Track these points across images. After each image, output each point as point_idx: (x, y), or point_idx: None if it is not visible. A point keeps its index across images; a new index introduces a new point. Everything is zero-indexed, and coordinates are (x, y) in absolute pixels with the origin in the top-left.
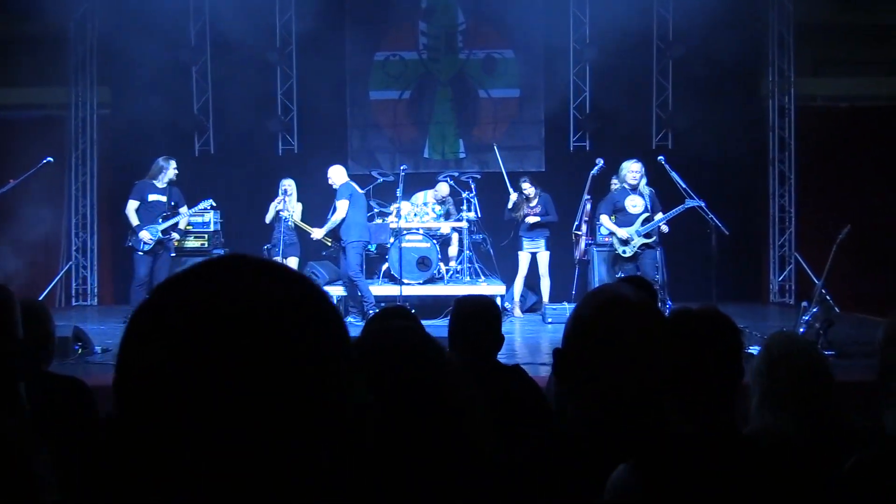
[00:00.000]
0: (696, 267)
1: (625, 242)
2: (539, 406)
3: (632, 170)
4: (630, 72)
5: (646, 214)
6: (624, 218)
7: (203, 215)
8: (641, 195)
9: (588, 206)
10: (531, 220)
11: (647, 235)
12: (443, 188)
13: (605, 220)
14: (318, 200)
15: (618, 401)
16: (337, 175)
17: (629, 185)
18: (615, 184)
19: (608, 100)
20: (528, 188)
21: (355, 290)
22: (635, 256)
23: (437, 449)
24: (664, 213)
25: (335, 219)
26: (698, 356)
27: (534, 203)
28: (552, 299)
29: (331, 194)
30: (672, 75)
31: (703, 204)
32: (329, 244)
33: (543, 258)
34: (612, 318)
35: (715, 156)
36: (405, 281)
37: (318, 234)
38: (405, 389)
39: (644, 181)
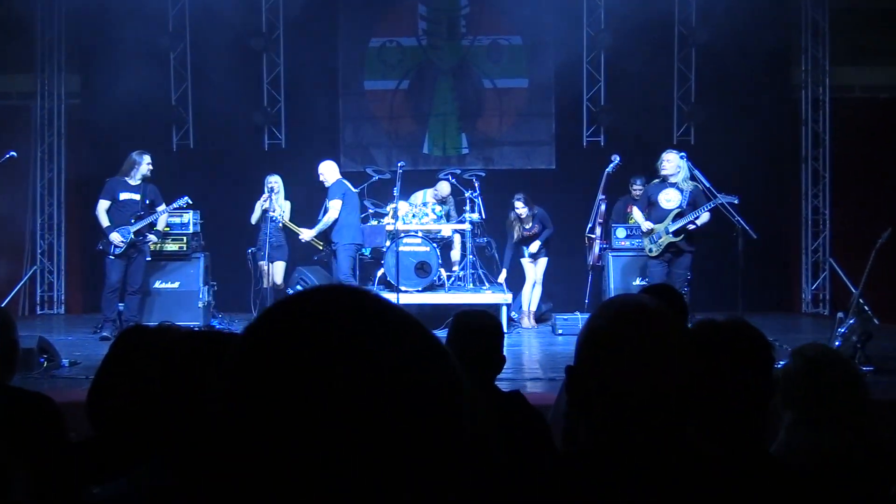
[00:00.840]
0: (720, 274)
1: (648, 235)
2: (541, 440)
3: (666, 160)
4: (649, 60)
5: (678, 211)
6: (656, 213)
7: (181, 216)
8: (680, 190)
9: (603, 207)
10: (533, 247)
11: (675, 233)
12: (443, 187)
13: (636, 213)
14: (306, 199)
15: (635, 422)
16: (329, 172)
17: (663, 177)
18: (635, 189)
19: (625, 91)
20: (522, 209)
21: None
22: (664, 257)
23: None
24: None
25: (327, 220)
26: (725, 372)
27: (529, 224)
28: (562, 308)
29: (321, 193)
30: (695, 64)
31: (735, 200)
32: (320, 247)
33: (541, 263)
34: (628, 331)
35: (742, 152)
36: (402, 288)
37: (307, 235)
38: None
39: (685, 175)
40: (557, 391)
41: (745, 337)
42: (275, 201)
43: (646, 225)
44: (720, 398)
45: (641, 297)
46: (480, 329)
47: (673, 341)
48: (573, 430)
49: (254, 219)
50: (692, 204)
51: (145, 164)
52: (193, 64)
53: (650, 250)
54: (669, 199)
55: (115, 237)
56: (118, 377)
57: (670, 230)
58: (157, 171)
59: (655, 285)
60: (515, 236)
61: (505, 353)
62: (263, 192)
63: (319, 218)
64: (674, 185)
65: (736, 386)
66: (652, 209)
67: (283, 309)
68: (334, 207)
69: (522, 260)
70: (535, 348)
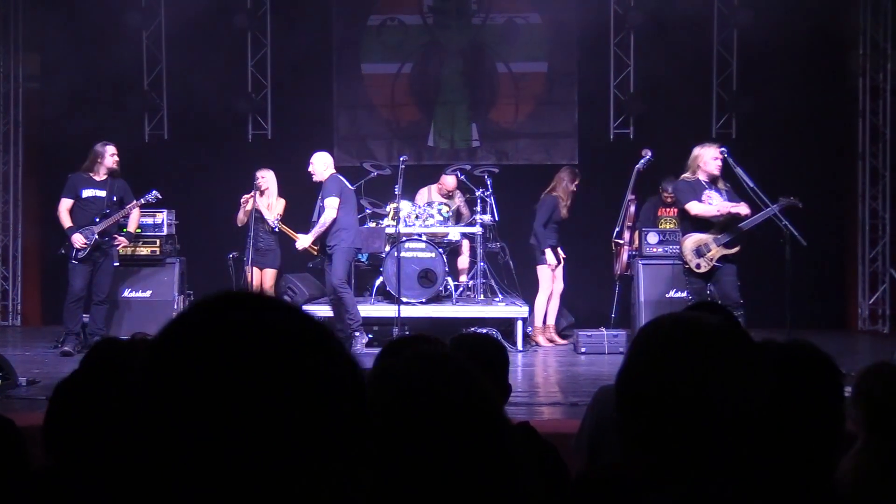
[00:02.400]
0: (764, 287)
1: (699, 253)
2: (554, 478)
3: (716, 156)
4: (685, 42)
5: (737, 207)
6: (699, 220)
7: (154, 216)
8: (720, 192)
9: (632, 209)
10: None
11: (727, 244)
12: (448, 182)
13: (696, 206)
14: (297, 199)
15: (698, 451)
16: (321, 165)
17: (709, 174)
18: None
19: (657, 77)
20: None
21: (341, 306)
22: (712, 272)
23: None
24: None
25: (324, 221)
26: (788, 400)
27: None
28: (585, 323)
29: (312, 191)
30: (737, 47)
31: (798, 205)
32: (315, 253)
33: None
34: (693, 351)
35: (789, 147)
36: (404, 300)
37: (304, 242)
38: (450, 456)
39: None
40: (581, 418)
41: (811, 360)
42: (260, 200)
43: (705, 239)
44: (782, 429)
45: (695, 314)
46: (479, 355)
47: (745, 362)
48: (596, 449)
49: (240, 220)
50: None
51: (109, 157)
52: (169, 44)
53: (697, 266)
54: (713, 202)
55: (78, 239)
56: (84, 397)
57: (721, 242)
58: (127, 165)
59: (705, 303)
60: (560, 213)
61: (517, 377)
62: (252, 190)
63: (314, 220)
64: (716, 184)
65: (801, 416)
66: (688, 215)
67: (185, 321)
68: (331, 206)
69: (539, 268)
70: (553, 369)
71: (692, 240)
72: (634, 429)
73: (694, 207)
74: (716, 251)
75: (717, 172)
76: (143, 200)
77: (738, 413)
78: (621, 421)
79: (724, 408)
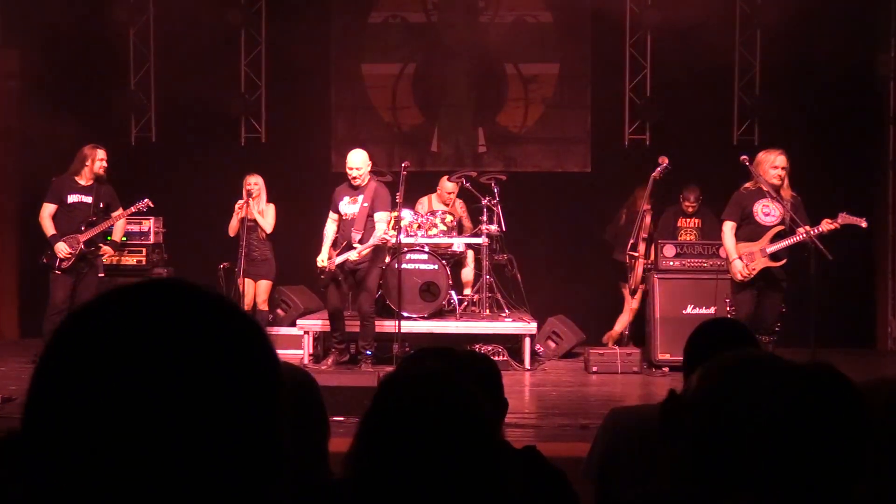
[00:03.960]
0: (788, 302)
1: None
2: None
3: (775, 165)
4: (705, 43)
5: (779, 228)
6: (750, 230)
7: (140, 223)
8: (780, 201)
9: (647, 220)
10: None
11: (773, 257)
12: (447, 187)
13: (726, 231)
14: (294, 206)
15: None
16: (366, 166)
17: (769, 184)
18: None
19: (675, 80)
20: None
21: (371, 329)
22: (754, 285)
23: None
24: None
25: (382, 237)
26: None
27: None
28: (597, 341)
29: (307, 198)
30: (760, 49)
31: (862, 223)
32: (332, 270)
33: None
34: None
35: (815, 156)
36: (405, 314)
37: (353, 255)
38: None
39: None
40: (591, 441)
41: (831, 385)
42: (252, 207)
43: (734, 253)
44: (797, 458)
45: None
46: (470, 370)
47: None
48: (610, 473)
49: (231, 229)
50: (796, 218)
51: (97, 161)
52: (157, 41)
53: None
54: (769, 211)
55: (62, 248)
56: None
57: (768, 251)
58: (113, 169)
59: (718, 319)
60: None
61: (524, 397)
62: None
63: (364, 236)
64: (776, 193)
65: (822, 445)
66: (745, 224)
67: (86, 312)
68: (383, 221)
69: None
70: (563, 389)
71: (731, 253)
72: (684, 458)
73: (724, 230)
74: (759, 261)
75: (776, 183)
76: (133, 209)
77: (785, 439)
78: (668, 451)
79: (776, 434)
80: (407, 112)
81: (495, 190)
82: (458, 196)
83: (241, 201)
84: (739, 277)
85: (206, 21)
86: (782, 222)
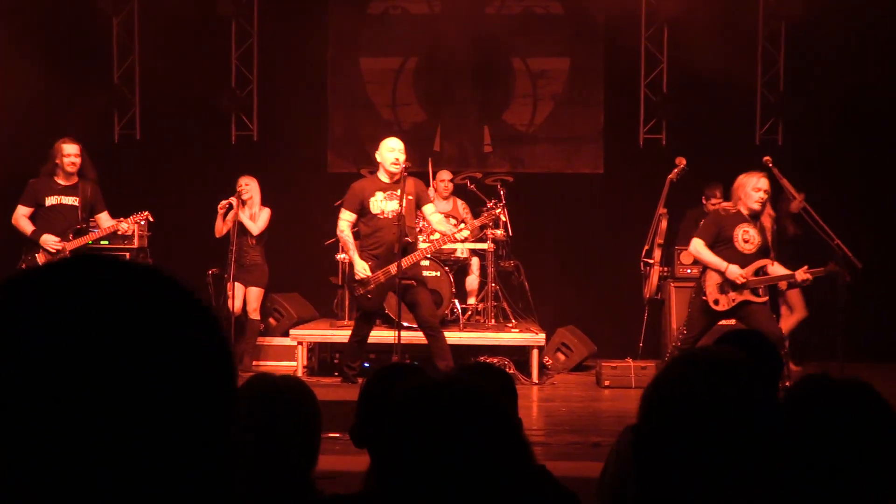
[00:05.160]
0: (815, 314)
1: (723, 290)
2: None
3: (758, 187)
4: (725, 37)
5: (763, 261)
6: (725, 254)
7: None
8: (762, 228)
9: (663, 225)
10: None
11: (754, 291)
12: (440, 187)
13: (700, 248)
14: (283, 208)
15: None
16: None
17: (749, 209)
18: (713, 203)
19: (693, 75)
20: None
21: (441, 340)
22: (734, 310)
23: None
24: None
25: (448, 232)
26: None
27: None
28: (610, 353)
29: (303, 199)
30: (785, 43)
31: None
32: (378, 281)
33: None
34: (699, 387)
35: (843, 157)
36: (405, 324)
37: (419, 256)
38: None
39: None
40: (604, 460)
41: (865, 402)
42: (242, 211)
43: (733, 271)
44: (829, 479)
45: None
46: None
47: (749, 403)
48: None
49: (218, 230)
50: (775, 245)
51: (64, 157)
52: (142, 32)
53: (716, 302)
54: (749, 238)
55: (49, 239)
56: None
57: (748, 286)
58: (95, 169)
59: (740, 331)
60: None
61: (532, 413)
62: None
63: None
64: (756, 217)
65: (854, 466)
66: (721, 246)
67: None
68: (438, 213)
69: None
70: (573, 404)
71: (722, 267)
72: (650, 470)
73: (694, 245)
74: (738, 295)
75: (756, 208)
76: (129, 221)
77: (748, 451)
78: (637, 466)
79: (734, 445)
80: (408, 109)
81: (501, 192)
82: (461, 197)
83: (223, 201)
84: (741, 280)
85: (195, 11)
86: (761, 251)
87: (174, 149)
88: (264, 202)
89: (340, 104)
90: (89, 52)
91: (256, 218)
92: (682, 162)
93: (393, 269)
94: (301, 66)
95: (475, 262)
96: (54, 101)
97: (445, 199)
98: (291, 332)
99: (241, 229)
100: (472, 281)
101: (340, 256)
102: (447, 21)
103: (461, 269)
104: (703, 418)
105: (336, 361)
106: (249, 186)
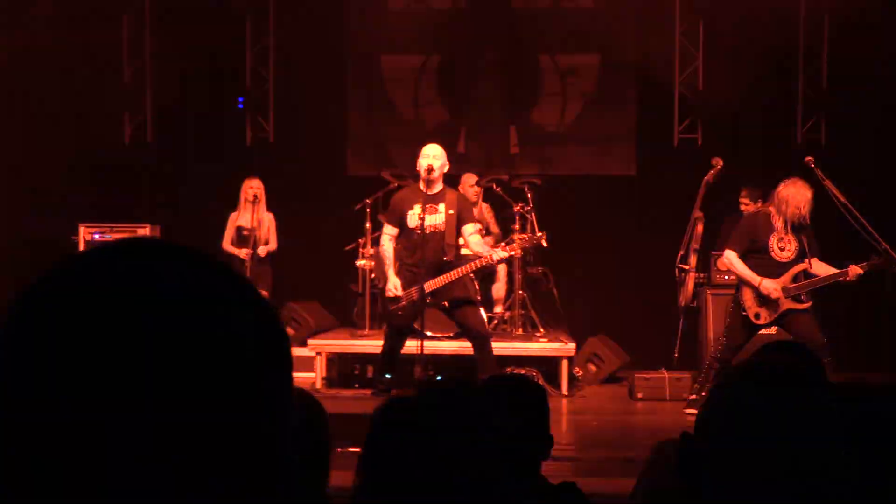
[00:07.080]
0: (856, 321)
1: (763, 301)
2: None
3: (801, 197)
4: (764, 31)
5: (800, 266)
6: (761, 262)
7: (135, 232)
8: (797, 234)
9: (699, 228)
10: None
11: (796, 298)
12: (469, 181)
13: (733, 260)
14: (299, 213)
15: None
16: (442, 165)
17: (789, 218)
18: (747, 205)
19: (731, 72)
20: None
21: (488, 348)
22: (775, 321)
23: None
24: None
25: (491, 256)
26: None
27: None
28: (643, 364)
29: (318, 204)
30: (828, 37)
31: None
32: (402, 295)
33: None
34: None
35: (889, 156)
36: (429, 333)
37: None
38: None
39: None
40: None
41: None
42: (245, 216)
43: (766, 286)
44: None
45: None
46: (515, 400)
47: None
48: None
49: (226, 241)
50: (810, 250)
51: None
52: (154, 30)
53: (756, 316)
54: (784, 246)
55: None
56: None
57: (790, 294)
58: (105, 173)
59: (782, 342)
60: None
61: (561, 426)
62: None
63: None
64: (793, 225)
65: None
66: (754, 256)
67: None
68: (478, 234)
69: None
70: (605, 418)
71: (756, 282)
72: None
73: (727, 256)
74: (783, 303)
75: (797, 221)
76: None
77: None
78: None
79: (794, 466)
80: (430, 109)
81: (529, 195)
82: (486, 200)
83: (234, 213)
84: (776, 296)
85: (209, 8)
86: (799, 258)
87: (187, 151)
88: (280, 206)
89: (360, 104)
90: (98, 52)
91: (262, 223)
92: (718, 163)
93: (427, 287)
94: (319, 65)
95: (501, 268)
96: (63, 102)
97: (473, 204)
98: (310, 341)
99: (247, 235)
100: (499, 289)
101: (360, 263)
102: (471, 16)
103: (487, 276)
104: (766, 433)
105: (356, 373)
106: (254, 188)
